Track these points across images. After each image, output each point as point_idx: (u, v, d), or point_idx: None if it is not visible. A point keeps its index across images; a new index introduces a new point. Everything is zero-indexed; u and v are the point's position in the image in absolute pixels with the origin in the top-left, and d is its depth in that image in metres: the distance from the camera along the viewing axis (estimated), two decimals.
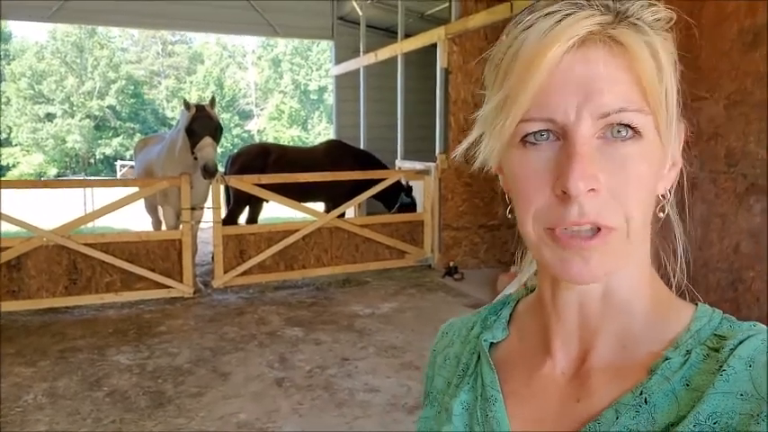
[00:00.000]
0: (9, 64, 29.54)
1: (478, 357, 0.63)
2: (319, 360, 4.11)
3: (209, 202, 5.85)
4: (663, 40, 0.50)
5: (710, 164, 3.45)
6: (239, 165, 6.99)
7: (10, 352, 4.24)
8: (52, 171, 29.77)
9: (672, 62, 0.50)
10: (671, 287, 0.57)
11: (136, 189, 5.96)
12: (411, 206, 7.04)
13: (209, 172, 5.25)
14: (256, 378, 3.82)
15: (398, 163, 7.74)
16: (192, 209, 5.66)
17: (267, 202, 6.84)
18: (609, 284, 0.53)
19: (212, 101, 5.63)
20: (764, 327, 0.50)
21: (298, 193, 6.41)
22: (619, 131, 0.48)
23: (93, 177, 23.36)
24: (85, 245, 5.28)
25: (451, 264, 6.45)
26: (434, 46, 6.75)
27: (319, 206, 7.27)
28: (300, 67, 34.59)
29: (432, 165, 6.75)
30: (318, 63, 33.19)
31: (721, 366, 0.47)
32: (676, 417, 0.47)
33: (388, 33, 9.55)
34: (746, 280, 3.32)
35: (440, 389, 0.67)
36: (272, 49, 35.39)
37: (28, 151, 29.92)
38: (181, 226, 5.63)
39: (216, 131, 5.42)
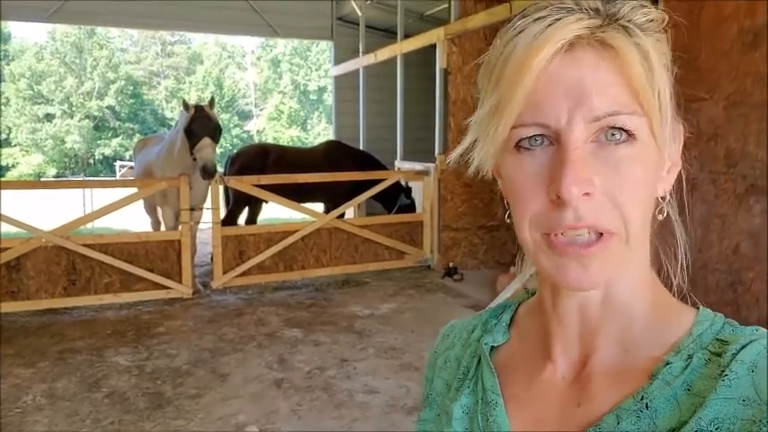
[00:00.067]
0: (8, 64, 29.56)
1: (479, 361, 0.63)
2: (318, 361, 4.10)
3: (208, 203, 5.84)
4: (655, 42, 0.49)
5: (710, 165, 3.45)
6: (238, 165, 6.98)
7: (9, 353, 4.24)
8: (51, 171, 29.76)
9: (664, 63, 0.50)
10: (671, 289, 0.57)
11: (135, 190, 5.95)
12: (410, 207, 7.03)
13: (208, 172, 5.24)
14: (255, 379, 3.82)
15: (398, 164, 7.73)
16: (191, 209, 5.65)
17: (266, 202, 6.83)
18: (609, 289, 0.53)
19: (211, 101, 5.63)
20: (767, 331, 0.49)
21: (297, 194, 6.41)
22: (612, 135, 0.48)
23: (92, 178, 23.26)
24: (84, 245, 5.28)
25: (451, 264, 6.45)
26: (434, 46, 6.75)
27: (319, 207, 7.26)
28: (300, 68, 34.61)
29: (431, 165, 6.74)
30: (318, 63, 33.21)
31: (723, 371, 0.47)
32: (678, 422, 0.47)
33: (387, 34, 9.54)
34: (746, 281, 3.32)
35: (439, 391, 0.67)
36: (272, 50, 35.40)
37: (27, 152, 29.91)
38: (180, 227, 5.63)
39: (215, 132, 5.42)
